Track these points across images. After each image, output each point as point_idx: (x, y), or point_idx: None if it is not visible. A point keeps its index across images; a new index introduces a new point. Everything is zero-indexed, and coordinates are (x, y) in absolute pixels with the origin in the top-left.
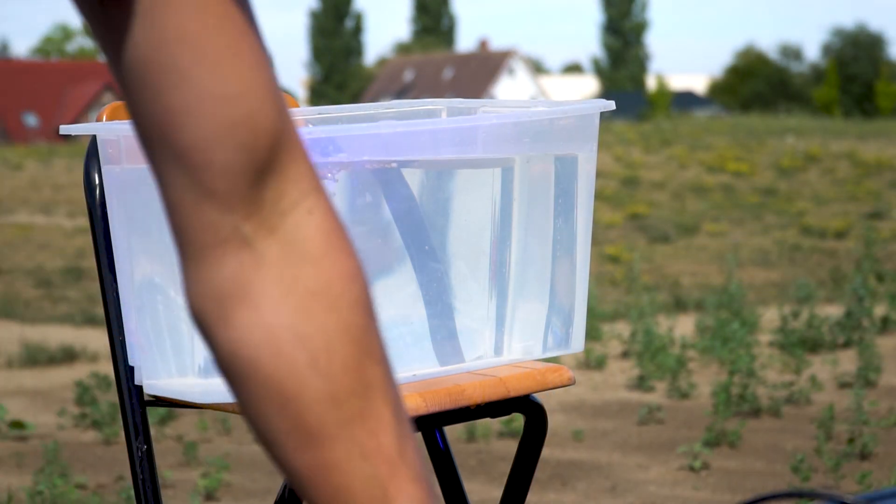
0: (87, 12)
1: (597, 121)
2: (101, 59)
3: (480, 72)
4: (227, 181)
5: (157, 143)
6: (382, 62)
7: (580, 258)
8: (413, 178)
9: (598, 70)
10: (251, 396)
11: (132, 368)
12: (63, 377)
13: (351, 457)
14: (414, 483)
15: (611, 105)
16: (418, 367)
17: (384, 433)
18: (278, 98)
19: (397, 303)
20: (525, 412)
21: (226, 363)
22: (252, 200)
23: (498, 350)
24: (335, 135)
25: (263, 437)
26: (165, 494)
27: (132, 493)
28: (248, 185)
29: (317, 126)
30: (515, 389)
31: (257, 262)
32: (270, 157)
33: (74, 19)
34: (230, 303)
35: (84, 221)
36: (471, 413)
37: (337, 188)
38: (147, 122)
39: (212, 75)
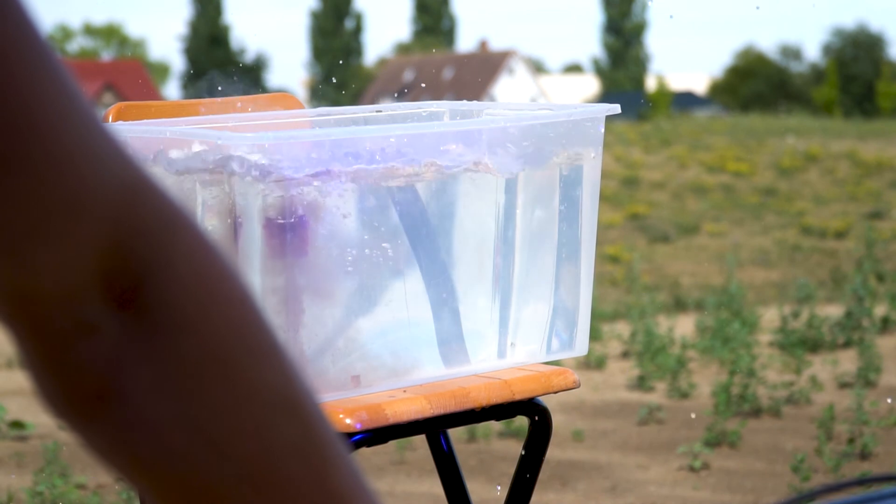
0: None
1: (601, 125)
2: (102, 59)
3: (480, 72)
4: (55, 274)
5: None
6: (382, 62)
7: (584, 262)
8: (419, 182)
9: (598, 70)
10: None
11: None
12: None
13: None
14: None
15: (616, 108)
16: (423, 370)
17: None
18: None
19: (403, 306)
20: (530, 415)
21: (111, 466)
22: (90, 280)
23: (502, 353)
24: (338, 137)
25: None
26: None
27: (132, 492)
28: (82, 266)
29: (321, 129)
30: (520, 392)
31: (111, 346)
32: (104, 224)
33: (74, 19)
34: (91, 404)
35: None
36: (475, 416)
37: (345, 193)
38: None
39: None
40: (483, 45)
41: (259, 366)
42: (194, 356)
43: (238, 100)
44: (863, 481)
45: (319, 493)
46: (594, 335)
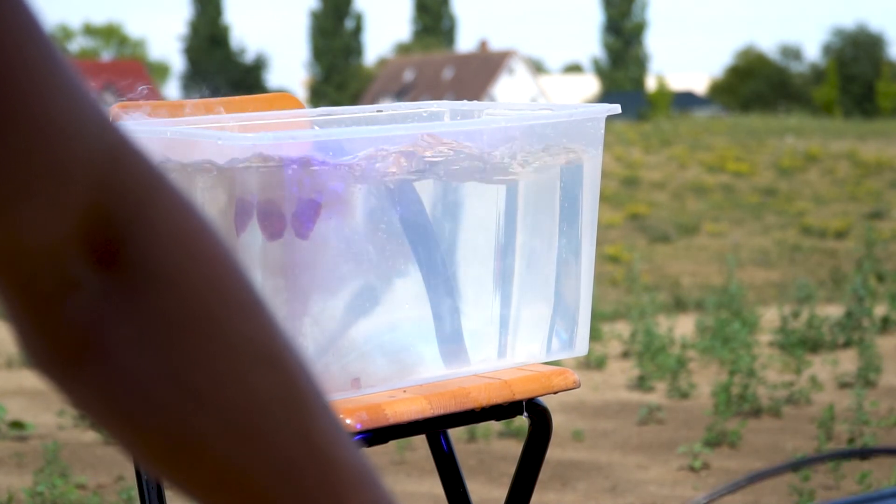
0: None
1: (602, 125)
2: (102, 58)
3: (480, 72)
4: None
5: None
6: (382, 62)
7: (585, 262)
8: (421, 183)
9: (599, 70)
10: (141, 451)
11: None
12: None
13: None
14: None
15: (616, 108)
16: (424, 370)
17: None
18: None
19: (405, 306)
20: (530, 415)
21: (95, 420)
22: (73, 239)
23: (502, 353)
24: (339, 137)
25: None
26: (169, 492)
27: (132, 493)
28: (65, 225)
29: (323, 128)
30: (520, 392)
31: (93, 302)
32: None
33: (74, 19)
34: (74, 358)
35: None
36: (476, 416)
37: (345, 192)
38: None
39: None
40: (483, 45)
41: (238, 319)
42: (174, 311)
43: (238, 100)
44: (861, 452)
45: (301, 443)
46: (594, 335)
